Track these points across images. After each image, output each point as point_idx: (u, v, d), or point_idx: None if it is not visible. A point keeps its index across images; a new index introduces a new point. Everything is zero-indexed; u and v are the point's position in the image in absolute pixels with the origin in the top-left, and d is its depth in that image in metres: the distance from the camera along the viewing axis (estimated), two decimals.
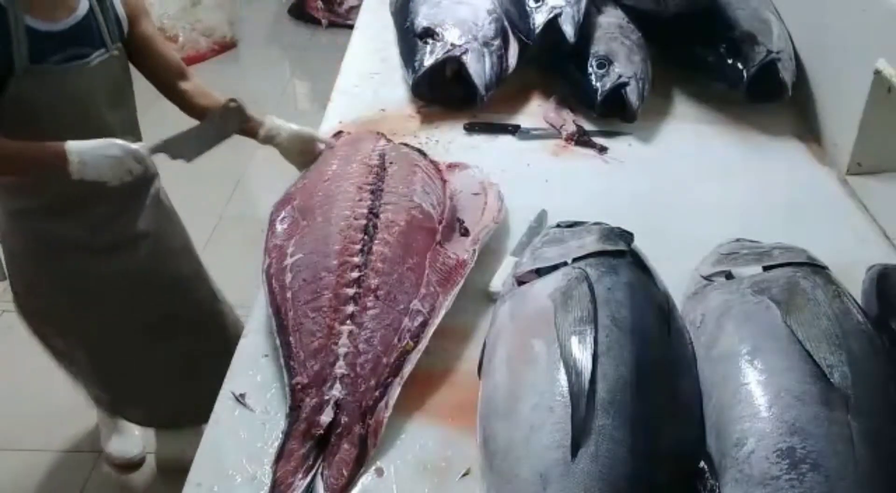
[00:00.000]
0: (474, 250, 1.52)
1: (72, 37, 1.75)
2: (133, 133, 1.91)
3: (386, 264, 1.43)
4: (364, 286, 1.39)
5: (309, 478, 1.17)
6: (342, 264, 1.44)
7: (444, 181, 1.74)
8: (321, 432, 1.22)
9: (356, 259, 1.44)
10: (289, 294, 1.40)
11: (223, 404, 1.31)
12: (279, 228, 1.54)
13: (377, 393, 1.28)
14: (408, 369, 1.32)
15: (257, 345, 1.41)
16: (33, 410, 2.70)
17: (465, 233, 1.60)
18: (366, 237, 1.48)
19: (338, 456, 1.20)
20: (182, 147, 1.68)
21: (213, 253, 1.68)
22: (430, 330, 1.37)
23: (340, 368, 1.29)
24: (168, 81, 1.95)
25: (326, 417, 1.23)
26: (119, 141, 1.69)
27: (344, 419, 1.24)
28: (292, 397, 1.26)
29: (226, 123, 1.73)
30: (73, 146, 1.64)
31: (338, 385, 1.27)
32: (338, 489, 1.17)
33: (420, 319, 1.38)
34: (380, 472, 1.20)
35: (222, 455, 1.23)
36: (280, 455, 1.20)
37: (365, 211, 1.54)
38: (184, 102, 1.95)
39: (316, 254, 1.46)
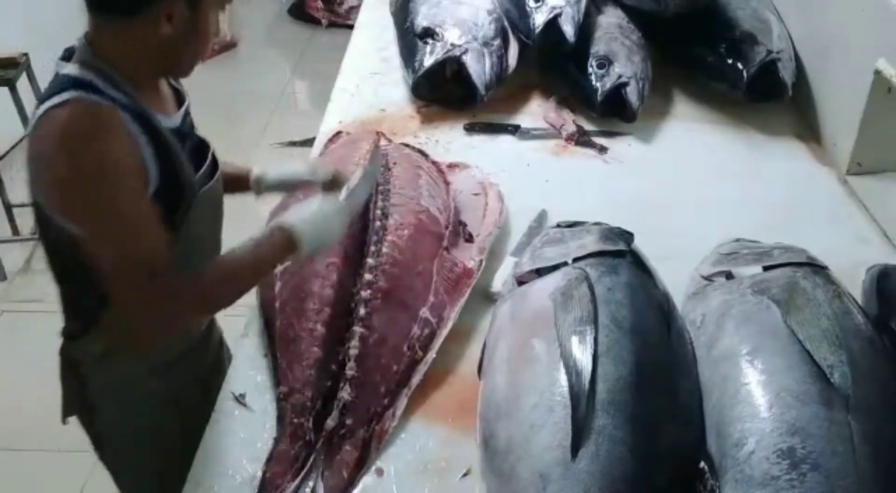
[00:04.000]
0: (481, 261, 1.53)
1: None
2: None
3: (396, 267, 1.43)
4: (374, 288, 1.39)
5: (298, 480, 1.18)
6: (328, 264, 1.43)
7: (447, 184, 1.74)
8: (310, 436, 1.22)
9: (371, 261, 1.43)
10: (277, 304, 1.41)
11: (223, 404, 1.31)
12: None
13: (385, 401, 1.28)
14: (416, 380, 1.32)
15: (257, 345, 1.41)
16: (33, 410, 2.70)
17: (469, 238, 1.60)
18: (375, 238, 1.48)
19: (339, 457, 1.20)
20: (358, 193, 1.43)
21: None
22: (438, 342, 1.38)
23: (351, 369, 1.29)
24: None
25: (332, 420, 1.23)
26: (328, 204, 1.36)
27: (349, 422, 1.24)
28: (278, 405, 1.28)
29: (376, 160, 1.53)
30: (299, 228, 1.30)
31: (347, 387, 1.27)
32: (338, 490, 1.17)
33: (429, 329, 1.38)
34: (380, 472, 1.20)
35: (222, 455, 1.23)
36: (270, 458, 1.20)
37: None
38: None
39: (304, 260, 1.45)
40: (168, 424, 1.45)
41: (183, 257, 1.24)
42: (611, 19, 2.26)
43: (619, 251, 1.32)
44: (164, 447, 1.44)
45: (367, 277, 1.41)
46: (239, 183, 1.55)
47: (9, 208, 3.39)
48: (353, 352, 1.31)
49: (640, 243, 1.37)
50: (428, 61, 2.10)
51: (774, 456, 1.03)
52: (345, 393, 1.26)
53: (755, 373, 1.13)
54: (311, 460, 1.20)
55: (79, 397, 1.45)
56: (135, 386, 1.42)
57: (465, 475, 1.20)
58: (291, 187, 1.59)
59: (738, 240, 1.52)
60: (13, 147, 3.79)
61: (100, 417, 1.47)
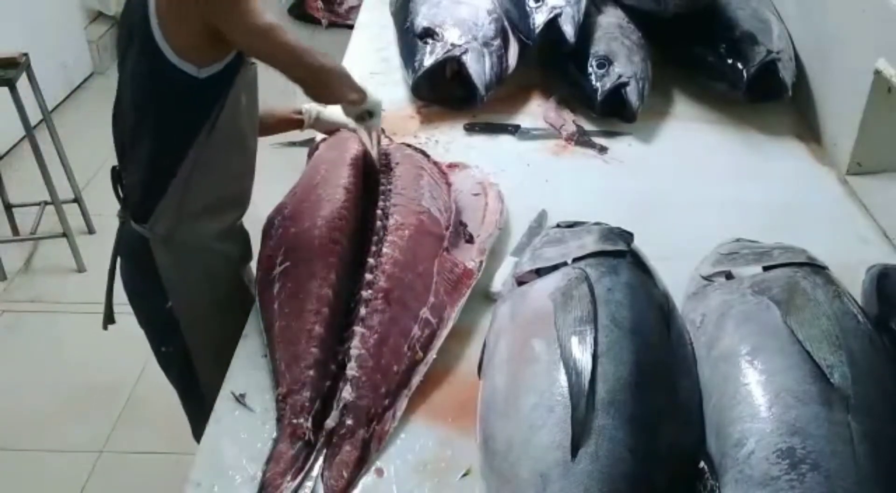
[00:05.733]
0: (481, 262, 1.52)
1: None
2: None
3: (396, 267, 1.43)
4: (374, 288, 1.39)
5: (298, 480, 1.17)
6: (327, 265, 1.43)
7: (448, 185, 1.74)
8: (309, 436, 1.22)
9: (371, 260, 1.43)
10: (275, 306, 1.40)
11: (223, 404, 1.31)
12: (271, 237, 1.54)
13: (386, 402, 1.28)
14: (416, 381, 1.32)
15: (257, 345, 1.41)
16: (33, 410, 2.71)
17: (470, 239, 1.59)
18: (375, 238, 1.48)
19: (339, 458, 1.20)
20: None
21: None
22: (439, 343, 1.38)
23: (352, 369, 1.29)
24: None
25: (332, 420, 1.23)
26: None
27: (349, 422, 1.24)
28: (277, 406, 1.28)
29: None
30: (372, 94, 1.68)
31: (348, 387, 1.27)
32: (338, 490, 1.17)
33: (429, 330, 1.38)
34: (380, 472, 1.20)
35: (222, 455, 1.23)
36: (270, 458, 1.20)
37: (346, 212, 1.53)
38: None
39: (301, 261, 1.45)
40: (234, 287, 1.65)
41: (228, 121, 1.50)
42: (611, 19, 2.26)
43: (619, 251, 1.32)
44: (229, 316, 1.54)
45: (368, 277, 1.41)
46: (283, 122, 1.88)
47: (9, 208, 3.38)
48: (353, 352, 1.31)
49: (640, 243, 1.37)
50: (428, 61, 2.10)
51: (774, 456, 1.03)
52: (346, 393, 1.26)
53: (755, 373, 1.13)
54: (311, 460, 1.20)
55: (150, 277, 1.59)
56: (206, 249, 1.62)
57: (465, 475, 1.20)
58: (336, 127, 1.89)
59: (738, 240, 1.52)
60: (13, 147, 3.80)
61: (172, 288, 1.61)
